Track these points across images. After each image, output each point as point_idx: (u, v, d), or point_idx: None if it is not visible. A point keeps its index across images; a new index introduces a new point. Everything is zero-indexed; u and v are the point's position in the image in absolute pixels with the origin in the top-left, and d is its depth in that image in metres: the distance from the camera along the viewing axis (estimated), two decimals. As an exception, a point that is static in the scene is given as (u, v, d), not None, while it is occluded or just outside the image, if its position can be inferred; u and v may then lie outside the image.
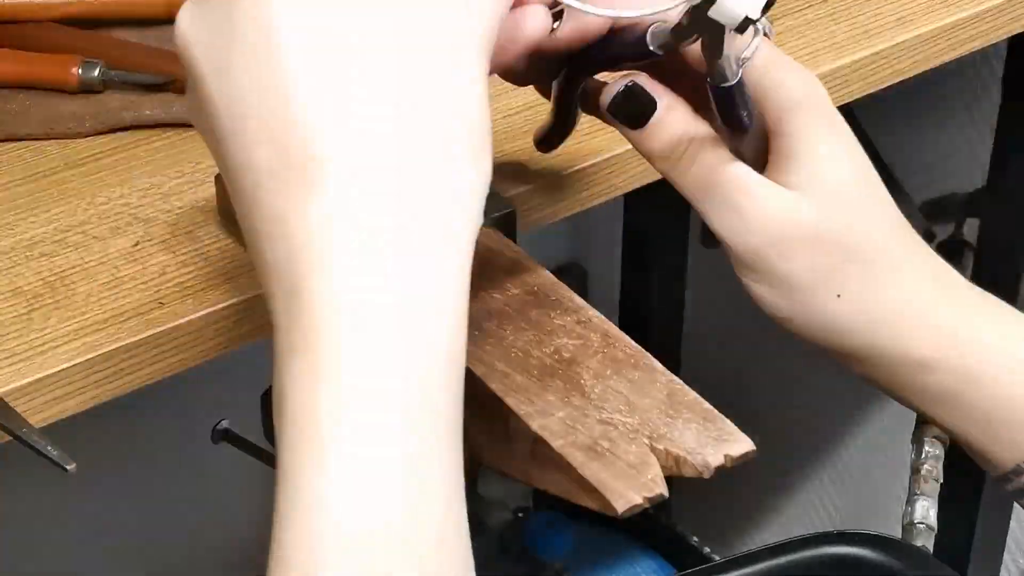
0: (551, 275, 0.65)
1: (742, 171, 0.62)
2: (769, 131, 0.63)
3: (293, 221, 0.46)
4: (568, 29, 0.59)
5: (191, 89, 0.51)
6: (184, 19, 0.50)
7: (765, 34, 0.59)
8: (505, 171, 0.78)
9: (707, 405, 0.60)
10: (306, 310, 0.46)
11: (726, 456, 0.57)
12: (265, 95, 0.47)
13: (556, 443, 0.57)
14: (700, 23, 0.55)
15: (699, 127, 0.62)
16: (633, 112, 0.61)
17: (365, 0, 0.48)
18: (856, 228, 0.63)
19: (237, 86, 0.47)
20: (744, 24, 0.54)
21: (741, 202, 0.61)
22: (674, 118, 0.61)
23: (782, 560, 0.83)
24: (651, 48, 0.59)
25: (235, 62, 0.48)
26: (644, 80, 0.61)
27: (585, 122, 0.82)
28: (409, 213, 0.46)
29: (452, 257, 0.47)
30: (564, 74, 0.64)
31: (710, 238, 0.65)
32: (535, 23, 0.55)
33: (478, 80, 0.49)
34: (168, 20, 0.89)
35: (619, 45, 0.60)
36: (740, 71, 0.58)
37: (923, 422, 1.11)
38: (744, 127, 0.62)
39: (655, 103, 0.61)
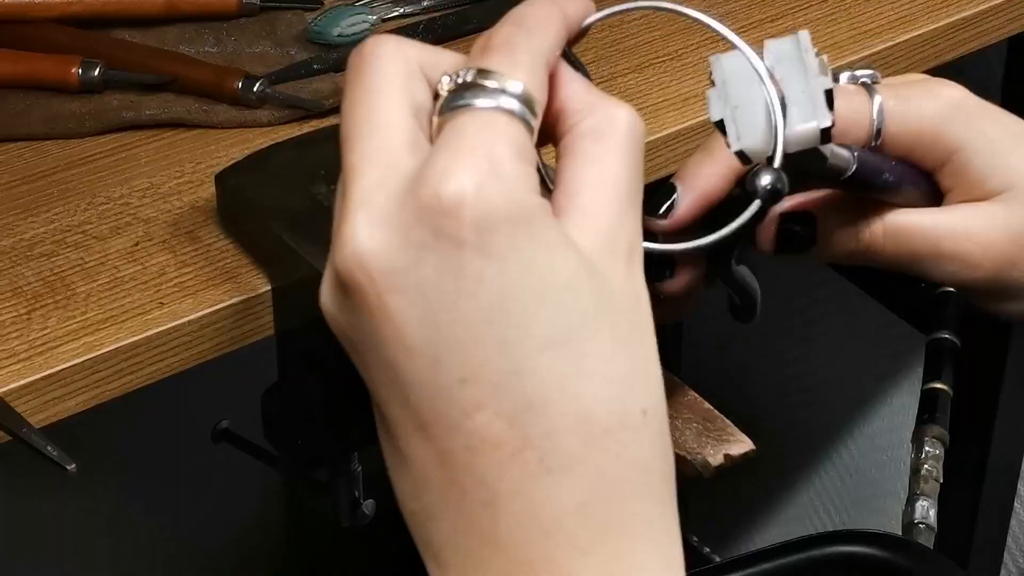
0: None
1: (930, 219, 0.59)
2: (927, 161, 0.60)
3: (536, 499, 0.45)
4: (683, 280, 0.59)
5: (359, 309, 0.47)
6: (367, 240, 0.45)
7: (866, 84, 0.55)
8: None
9: (707, 405, 0.60)
10: None
11: (726, 456, 0.57)
12: (492, 373, 0.45)
13: (556, 443, 0.57)
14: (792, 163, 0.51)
15: (863, 210, 0.59)
16: (798, 241, 0.58)
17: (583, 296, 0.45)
18: None
19: (453, 350, 0.45)
20: (825, 135, 0.51)
21: (953, 248, 0.59)
22: (835, 222, 0.59)
23: (790, 559, 0.83)
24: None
25: (450, 327, 0.45)
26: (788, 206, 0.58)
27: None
28: (638, 485, 0.46)
29: (671, 517, 0.47)
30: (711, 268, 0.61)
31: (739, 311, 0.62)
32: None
33: (653, 357, 0.48)
34: (168, 20, 0.89)
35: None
36: (854, 155, 0.55)
37: (923, 422, 1.11)
38: (894, 185, 0.59)
39: (812, 220, 0.58)
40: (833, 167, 0.54)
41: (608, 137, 0.47)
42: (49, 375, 0.66)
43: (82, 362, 0.67)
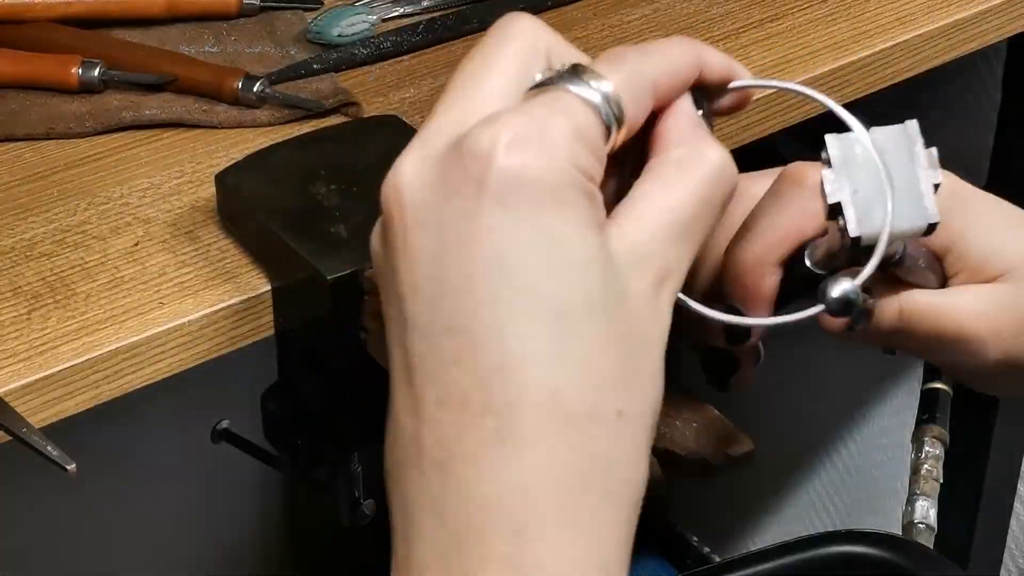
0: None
1: (951, 302, 0.60)
2: (931, 247, 0.61)
3: (484, 470, 0.44)
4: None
5: (388, 240, 0.47)
6: (410, 173, 0.46)
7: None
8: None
9: (707, 405, 0.60)
10: (485, 570, 0.44)
11: (726, 456, 0.57)
12: (477, 326, 0.44)
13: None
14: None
15: (895, 293, 0.59)
16: (861, 318, 0.57)
17: (578, 270, 0.45)
18: None
19: (448, 295, 0.45)
20: (930, 230, 0.50)
21: (973, 330, 0.59)
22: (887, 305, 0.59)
23: (790, 559, 0.83)
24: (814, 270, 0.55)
25: (453, 271, 0.45)
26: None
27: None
28: (591, 480, 0.45)
29: (624, 521, 0.46)
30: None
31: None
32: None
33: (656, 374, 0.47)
34: (168, 20, 0.89)
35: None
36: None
37: (923, 422, 1.11)
38: (924, 268, 0.60)
39: (868, 302, 0.57)
40: (889, 253, 0.55)
41: (689, 168, 0.48)
42: (49, 375, 0.66)
43: (82, 362, 0.67)
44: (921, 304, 0.60)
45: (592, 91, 0.46)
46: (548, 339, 0.44)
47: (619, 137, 0.47)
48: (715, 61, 0.51)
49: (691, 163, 0.48)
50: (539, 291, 0.44)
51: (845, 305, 0.50)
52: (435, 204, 0.45)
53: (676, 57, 0.50)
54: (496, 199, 0.44)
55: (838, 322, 0.55)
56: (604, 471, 0.45)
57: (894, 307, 0.60)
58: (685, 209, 0.47)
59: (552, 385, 0.44)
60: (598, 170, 0.46)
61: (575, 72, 0.47)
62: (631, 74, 0.48)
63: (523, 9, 0.93)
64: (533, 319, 0.44)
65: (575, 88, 0.46)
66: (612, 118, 0.47)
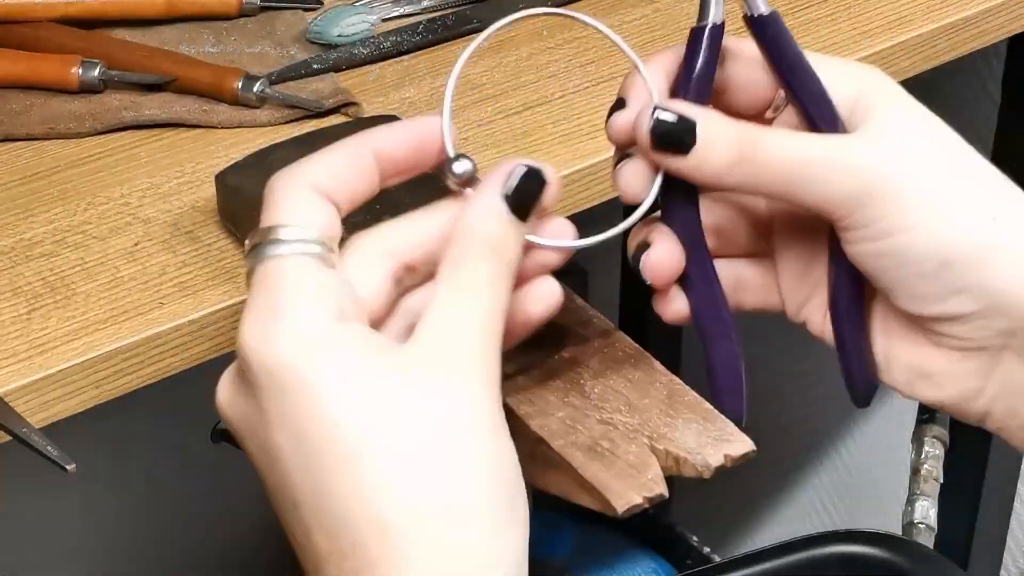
0: (550, 275, 0.65)
1: (798, 145, 0.59)
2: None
3: None
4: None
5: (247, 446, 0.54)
6: (222, 392, 0.53)
7: None
8: (505, 171, 0.78)
9: (707, 405, 0.60)
10: None
11: (726, 456, 0.57)
12: (314, 493, 0.50)
13: (556, 443, 0.57)
14: None
15: (746, 125, 0.58)
16: (673, 136, 0.57)
17: (380, 410, 0.50)
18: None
19: (285, 479, 0.51)
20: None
21: (834, 156, 0.58)
22: (720, 126, 0.58)
23: (790, 559, 0.83)
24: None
25: (279, 456, 0.51)
26: (674, 106, 0.58)
27: (583, 122, 0.82)
28: None
29: None
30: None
31: None
32: (543, 306, 0.57)
33: (499, 453, 0.52)
34: (168, 20, 0.89)
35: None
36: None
37: (923, 422, 1.11)
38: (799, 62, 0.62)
39: (692, 123, 0.57)
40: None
41: (470, 290, 0.54)
42: (49, 375, 0.66)
43: (82, 362, 0.67)
44: (774, 137, 0.59)
45: (283, 245, 0.52)
46: (360, 477, 0.49)
47: (335, 231, 0.53)
48: (381, 137, 0.56)
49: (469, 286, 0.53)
50: (334, 443, 0.49)
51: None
52: (239, 411, 0.53)
53: (336, 154, 0.55)
54: (270, 389, 0.50)
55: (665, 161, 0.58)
56: (458, 561, 0.50)
57: (749, 139, 0.58)
58: (475, 333, 0.52)
59: (379, 514, 0.49)
60: (338, 288, 0.52)
61: (265, 238, 0.52)
62: (297, 200, 0.53)
63: (523, 9, 0.93)
64: (339, 469, 0.49)
65: (270, 250, 0.52)
66: (310, 245, 0.52)
